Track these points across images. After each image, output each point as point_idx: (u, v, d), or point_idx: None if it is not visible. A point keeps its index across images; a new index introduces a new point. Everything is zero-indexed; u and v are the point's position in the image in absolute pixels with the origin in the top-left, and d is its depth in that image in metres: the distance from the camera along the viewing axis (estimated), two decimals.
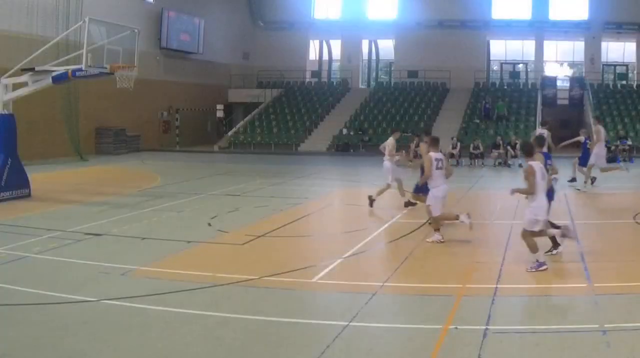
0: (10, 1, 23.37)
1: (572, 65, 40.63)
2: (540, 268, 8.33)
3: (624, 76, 38.30)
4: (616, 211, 13.91)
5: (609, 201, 15.94)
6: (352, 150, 31.59)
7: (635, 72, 37.89)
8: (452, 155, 25.40)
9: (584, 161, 17.33)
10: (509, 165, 24.54)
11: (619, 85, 37.05)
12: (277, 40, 40.20)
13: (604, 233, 11.60)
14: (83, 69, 15.20)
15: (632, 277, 8.19)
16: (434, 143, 10.54)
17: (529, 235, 8.58)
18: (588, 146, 17.37)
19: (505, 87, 38.01)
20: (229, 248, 10.01)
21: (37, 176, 17.87)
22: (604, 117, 32.43)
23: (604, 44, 38.36)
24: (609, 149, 21.19)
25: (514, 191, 8.89)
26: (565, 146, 17.77)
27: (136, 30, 16.93)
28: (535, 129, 31.56)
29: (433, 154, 10.33)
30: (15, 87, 16.09)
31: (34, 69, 15.89)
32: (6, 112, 15.63)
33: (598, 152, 17.06)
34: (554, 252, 9.09)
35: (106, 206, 14.25)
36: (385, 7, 40.15)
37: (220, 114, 36.79)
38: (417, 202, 12.67)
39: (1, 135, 15.24)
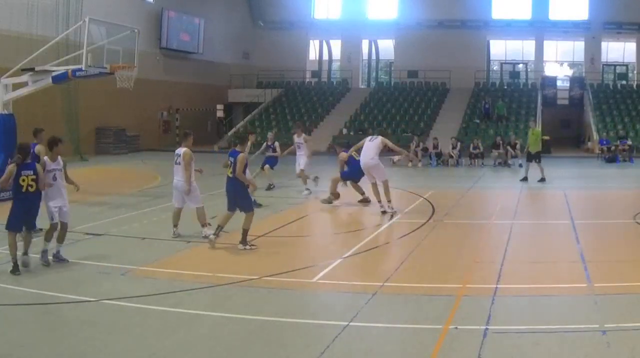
0: (10, 1, 23.37)
1: (572, 65, 40.64)
2: None
3: (624, 76, 38.32)
4: (616, 211, 13.91)
5: (609, 201, 15.93)
6: None
7: (635, 72, 37.90)
8: (451, 156, 25.43)
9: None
10: (509, 165, 24.53)
11: (619, 85, 37.06)
12: (277, 40, 40.20)
13: (604, 233, 11.61)
14: (83, 68, 15.21)
15: (632, 277, 8.19)
16: None
17: None
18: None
19: (505, 87, 38.02)
20: (229, 248, 10.01)
21: None
22: (603, 117, 32.54)
23: (604, 44, 38.37)
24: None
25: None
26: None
27: (136, 30, 16.95)
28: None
29: None
30: (15, 87, 16.10)
31: (34, 69, 15.90)
32: (6, 112, 15.64)
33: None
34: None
35: (106, 206, 14.25)
36: (385, 7, 40.15)
37: (220, 114, 36.77)
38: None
39: (1, 135, 15.25)
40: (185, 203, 10.90)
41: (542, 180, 18.82)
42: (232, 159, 9.97)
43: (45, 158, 9.12)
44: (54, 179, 8.97)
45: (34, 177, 8.51)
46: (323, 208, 13.95)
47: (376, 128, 32.71)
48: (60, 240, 9.09)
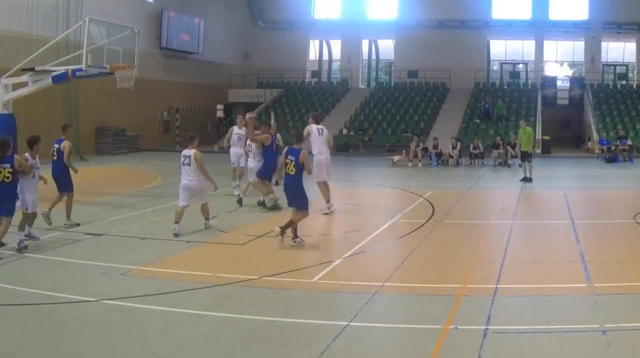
0: (10, 1, 23.36)
1: (572, 65, 40.65)
2: None
3: (624, 76, 38.34)
4: (616, 211, 13.91)
5: (609, 201, 15.93)
6: (352, 150, 31.57)
7: (635, 72, 37.92)
8: (451, 156, 25.42)
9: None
10: (509, 165, 24.52)
11: (619, 85, 37.07)
12: (277, 40, 40.20)
13: (604, 233, 11.60)
14: (83, 68, 15.22)
15: (632, 277, 8.19)
16: None
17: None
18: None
19: (505, 87, 38.04)
20: (229, 248, 10.01)
21: None
22: (603, 117, 32.54)
23: (604, 44, 38.38)
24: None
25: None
26: None
27: (136, 30, 16.95)
28: (535, 128, 31.68)
29: None
30: (15, 87, 16.10)
31: (34, 69, 15.90)
32: (6, 112, 15.64)
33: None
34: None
35: (106, 206, 14.25)
36: (385, 7, 40.16)
37: (220, 113, 36.76)
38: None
39: (1, 135, 15.24)
40: (190, 202, 11.12)
41: (528, 180, 18.52)
42: (292, 158, 10.11)
43: (27, 155, 9.83)
44: (33, 176, 9.77)
45: (10, 170, 9.33)
46: (322, 208, 13.92)
47: (377, 128, 33.09)
48: (30, 224, 10.15)
